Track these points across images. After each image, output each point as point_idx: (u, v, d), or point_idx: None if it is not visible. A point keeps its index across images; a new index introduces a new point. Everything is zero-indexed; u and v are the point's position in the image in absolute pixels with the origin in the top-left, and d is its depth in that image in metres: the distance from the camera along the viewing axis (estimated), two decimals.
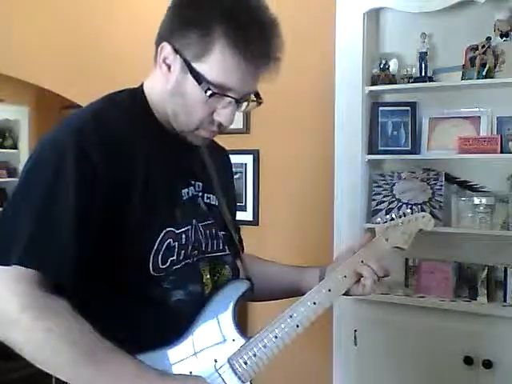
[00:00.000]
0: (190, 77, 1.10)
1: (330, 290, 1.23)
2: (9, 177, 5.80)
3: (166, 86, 1.14)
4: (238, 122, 2.84)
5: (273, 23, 1.12)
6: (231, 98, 1.11)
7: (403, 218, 1.33)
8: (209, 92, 1.09)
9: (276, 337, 1.16)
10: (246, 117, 2.92)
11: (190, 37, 1.09)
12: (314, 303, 1.21)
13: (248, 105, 1.18)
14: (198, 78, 1.09)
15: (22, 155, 5.90)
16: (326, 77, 2.64)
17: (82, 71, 3.40)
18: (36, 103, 5.84)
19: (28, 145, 5.92)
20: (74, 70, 3.43)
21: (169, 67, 1.13)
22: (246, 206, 2.93)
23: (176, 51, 1.11)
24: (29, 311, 0.97)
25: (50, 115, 5.49)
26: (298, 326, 1.18)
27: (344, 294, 1.28)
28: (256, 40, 1.08)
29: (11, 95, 5.52)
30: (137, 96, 1.20)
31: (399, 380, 2.42)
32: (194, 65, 1.09)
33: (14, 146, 5.93)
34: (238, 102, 1.14)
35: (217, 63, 1.08)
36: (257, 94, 1.18)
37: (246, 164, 2.94)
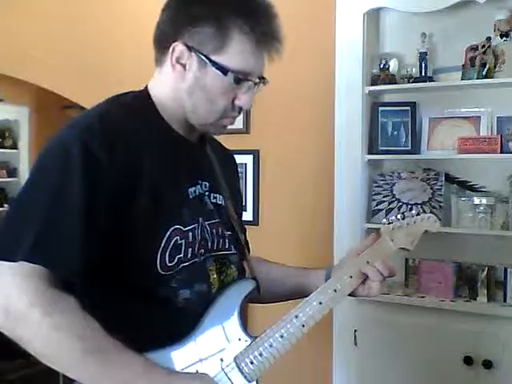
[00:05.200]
0: (210, 70, 1.13)
1: (335, 291, 1.23)
2: (9, 177, 5.80)
3: (182, 84, 1.16)
4: (238, 122, 2.82)
5: (271, 5, 1.18)
6: (252, 81, 1.16)
7: (409, 219, 1.32)
8: (235, 80, 1.14)
9: (282, 336, 1.17)
10: (246, 117, 2.92)
11: (204, 33, 1.12)
12: (320, 303, 1.21)
13: (259, 86, 1.21)
14: (223, 69, 1.13)
15: (21, 155, 5.90)
16: (326, 77, 2.64)
17: (82, 71, 3.40)
18: (36, 103, 5.84)
19: (28, 145, 5.92)
20: (74, 70, 3.43)
21: (184, 66, 1.15)
22: (246, 206, 2.92)
23: (190, 49, 1.13)
24: (37, 307, 0.98)
25: (50, 115, 5.50)
26: (303, 326, 1.18)
27: (350, 295, 1.28)
28: (265, 23, 1.14)
29: (11, 95, 5.52)
30: (143, 98, 1.21)
31: (399, 380, 2.42)
32: (214, 58, 1.13)
33: (14, 146, 5.92)
34: (255, 84, 1.19)
35: (236, 52, 1.13)
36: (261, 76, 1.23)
37: (245, 164, 2.94)
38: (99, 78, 3.27)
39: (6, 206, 5.51)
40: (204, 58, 1.13)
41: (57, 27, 3.47)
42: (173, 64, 1.16)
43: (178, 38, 1.14)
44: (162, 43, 1.17)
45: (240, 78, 1.14)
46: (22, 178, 5.64)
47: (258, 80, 1.18)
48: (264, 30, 1.14)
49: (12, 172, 5.85)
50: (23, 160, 5.86)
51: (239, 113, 1.21)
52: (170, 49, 1.15)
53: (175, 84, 1.17)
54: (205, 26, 1.12)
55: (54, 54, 3.48)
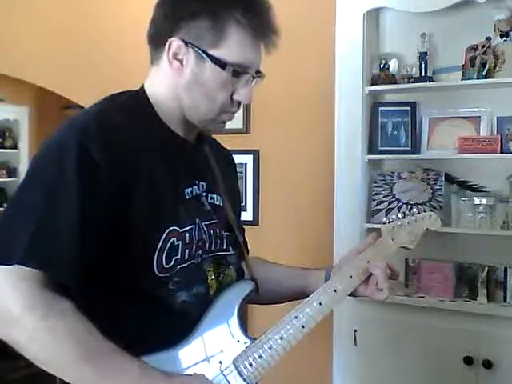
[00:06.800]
0: (208, 65, 1.13)
1: (335, 291, 1.22)
2: (9, 177, 5.80)
3: (180, 81, 1.15)
4: (238, 122, 2.84)
5: None
6: (250, 74, 1.16)
7: (409, 217, 1.31)
8: (234, 73, 1.13)
9: (281, 338, 1.15)
10: (246, 117, 2.92)
11: (200, 27, 1.11)
12: (320, 304, 1.19)
13: (256, 80, 1.20)
14: (220, 63, 1.12)
15: (21, 155, 5.91)
16: (326, 77, 2.64)
17: (82, 71, 3.40)
18: (36, 103, 5.84)
19: (28, 145, 5.93)
20: (73, 70, 3.43)
21: (181, 62, 1.14)
22: (246, 205, 2.92)
23: (187, 44, 1.13)
24: (32, 311, 0.97)
25: (50, 115, 5.50)
26: (303, 327, 1.17)
27: (350, 295, 1.26)
28: (261, 15, 1.14)
29: (11, 95, 5.52)
30: (139, 97, 1.20)
31: (399, 380, 2.42)
32: (211, 52, 1.12)
33: (14, 146, 5.93)
34: (254, 78, 1.18)
35: (234, 45, 1.12)
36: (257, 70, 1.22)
37: (245, 164, 2.94)
38: (99, 78, 3.26)
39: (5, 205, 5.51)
40: (201, 52, 1.12)
41: (57, 27, 3.47)
42: (169, 60, 1.14)
43: (174, 33, 1.13)
44: (158, 40, 1.16)
45: (238, 72, 1.14)
46: (22, 178, 5.63)
47: (255, 74, 1.18)
48: (260, 22, 1.13)
49: (12, 172, 5.86)
50: (23, 160, 5.86)
51: (238, 107, 1.20)
52: (167, 45, 1.14)
53: (173, 81, 1.16)
54: (201, 21, 1.11)
55: (53, 53, 3.48)
